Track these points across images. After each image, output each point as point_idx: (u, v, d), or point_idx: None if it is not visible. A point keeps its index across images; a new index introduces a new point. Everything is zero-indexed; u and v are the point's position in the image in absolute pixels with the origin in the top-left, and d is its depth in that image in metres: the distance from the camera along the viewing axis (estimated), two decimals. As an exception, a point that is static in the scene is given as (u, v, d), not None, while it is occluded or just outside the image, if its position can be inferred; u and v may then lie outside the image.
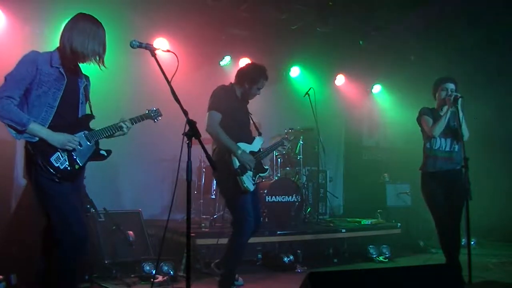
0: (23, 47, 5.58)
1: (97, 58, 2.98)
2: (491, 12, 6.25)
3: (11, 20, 5.59)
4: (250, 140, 4.03)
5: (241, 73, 4.05)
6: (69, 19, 3.00)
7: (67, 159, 2.91)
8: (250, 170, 3.88)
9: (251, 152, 3.97)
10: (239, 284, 4.19)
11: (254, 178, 3.93)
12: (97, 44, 2.96)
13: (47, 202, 2.83)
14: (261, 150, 4.12)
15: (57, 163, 2.85)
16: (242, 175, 3.79)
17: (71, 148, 2.92)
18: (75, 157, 2.96)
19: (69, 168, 2.91)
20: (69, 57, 2.93)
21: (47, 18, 5.73)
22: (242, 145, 3.90)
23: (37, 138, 2.81)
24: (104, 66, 3.02)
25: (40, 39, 5.76)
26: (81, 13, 3.05)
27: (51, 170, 2.82)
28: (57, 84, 2.90)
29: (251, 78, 3.99)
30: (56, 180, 2.83)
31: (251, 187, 3.86)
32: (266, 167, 4.20)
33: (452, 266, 3.73)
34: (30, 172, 2.82)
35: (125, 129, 3.28)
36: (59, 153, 2.88)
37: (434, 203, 4.20)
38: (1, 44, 5.50)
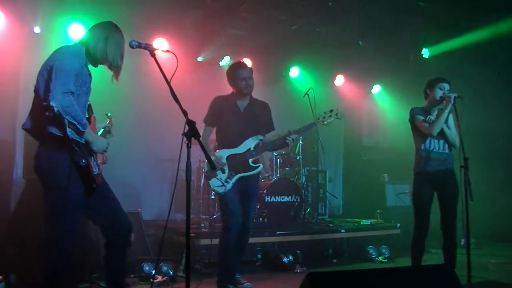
0: (23, 47, 5.64)
1: (117, 71, 3.00)
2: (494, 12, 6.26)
3: (10, 20, 5.59)
4: (235, 145, 4.12)
5: (227, 79, 4.27)
6: (101, 24, 3.00)
7: (95, 165, 2.90)
8: (221, 170, 4.00)
9: (233, 155, 4.08)
10: None
11: (228, 180, 4.01)
12: (122, 59, 3.00)
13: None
14: (252, 149, 4.14)
15: (94, 168, 2.85)
16: (209, 179, 4.02)
17: (103, 154, 2.95)
18: (98, 163, 2.96)
19: (98, 174, 2.93)
20: (96, 61, 2.93)
21: (47, 19, 5.73)
22: (222, 151, 4.10)
23: (84, 140, 2.75)
24: (117, 81, 3.02)
25: (39, 40, 5.77)
26: (114, 24, 3.03)
27: (92, 174, 2.81)
28: (89, 85, 2.88)
29: (229, 77, 4.23)
30: (94, 185, 2.84)
31: (220, 190, 3.99)
32: (256, 165, 4.14)
33: (450, 266, 3.73)
34: (61, 173, 2.67)
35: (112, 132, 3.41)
36: (93, 158, 2.86)
37: (421, 204, 4.21)
38: (0, 44, 5.50)
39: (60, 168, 2.70)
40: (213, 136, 4.31)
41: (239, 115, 4.19)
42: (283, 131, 6.83)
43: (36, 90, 2.76)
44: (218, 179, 3.98)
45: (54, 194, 2.71)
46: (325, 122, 4.24)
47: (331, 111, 4.27)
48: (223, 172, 4.03)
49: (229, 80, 4.24)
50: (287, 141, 4.10)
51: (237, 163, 4.07)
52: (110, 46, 2.92)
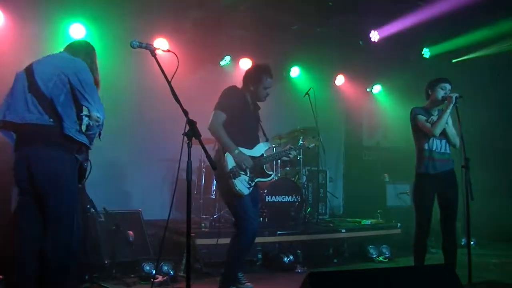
0: (23, 47, 5.63)
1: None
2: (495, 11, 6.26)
3: (10, 20, 5.59)
4: (251, 146, 4.00)
5: (245, 76, 4.07)
6: (93, 46, 3.25)
7: None
8: (245, 171, 3.84)
9: (251, 157, 3.94)
10: None
11: (250, 182, 3.88)
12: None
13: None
14: (264, 155, 4.09)
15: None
16: (234, 178, 3.77)
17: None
18: None
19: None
20: None
21: (47, 19, 5.73)
22: (241, 149, 3.90)
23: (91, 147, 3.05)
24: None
25: (39, 40, 5.76)
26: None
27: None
28: None
29: (254, 78, 3.99)
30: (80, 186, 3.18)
31: (245, 191, 3.82)
32: (270, 172, 4.13)
33: (451, 266, 3.73)
34: (71, 173, 2.87)
35: None
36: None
37: (424, 205, 4.18)
38: (0, 44, 5.50)
39: (70, 169, 2.83)
40: (209, 135, 4.10)
41: (251, 115, 4.07)
42: (284, 132, 6.91)
43: (47, 94, 2.80)
44: (247, 177, 3.82)
45: (66, 195, 2.80)
46: (310, 146, 4.62)
47: (314, 137, 4.82)
48: (246, 173, 3.86)
49: (249, 80, 4.00)
50: (290, 155, 4.26)
51: (255, 167, 3.94)
52: (95, 67, 3.17)
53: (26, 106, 2.78)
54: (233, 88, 4.02)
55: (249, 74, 4.05)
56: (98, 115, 2.81)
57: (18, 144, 2.86)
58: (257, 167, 3.98)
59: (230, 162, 3.79)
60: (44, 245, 2.76)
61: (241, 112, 3.93)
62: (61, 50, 3.15)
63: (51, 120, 2.77)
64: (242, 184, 3.82)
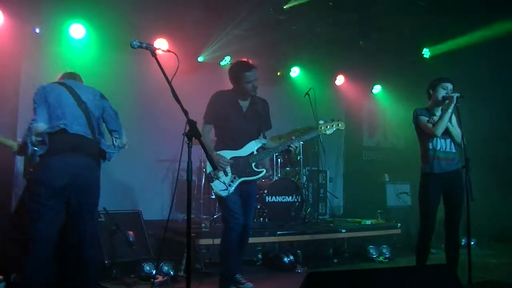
0: (23, 47, 5.64)
1: None
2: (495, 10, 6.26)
3: (11, 20, 5.59)
4: (240, 146, 4.02)
5: (228, 75, 4.12)
6: None
7: None
8: (224, 173, 3.90)
9: (235, 157, 3.97)
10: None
11: (231, 183, 3.91)
12: None
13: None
14: (255, 152, 4.06)
15: None
16: (212, 181, 3.89)
17: None
18: None
19: None
20: None
21: (47, 19, 5.73)
22: (225, 152, 3.96)
23: None
24: None
25: (40, 40, 5.77)
26: None
27: None
28: None
29: (234, 77, 4.05)
30: None
31: (223, 193, 3.87)
32: (259, 170, 4.08)
33: (451, 266, 3.73)
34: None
35: None
36: None
37: (429, 205, 4.16)
38: (1, 44, 5.51)
39: (100, 178, 3.26)
40: (212, 135, 4.20)
41: (241, 115, 4.07)
42: (284, 132, 6.91)
43: (95, 114, 3.28)
44: (221, 182, 3.87)
45: (98, 202, 3.25)
46: (327, 132, 4.23)
47: (333, 120, 4.26)
48: (226, 174, 3.92)
49: (232, 80, 4.06)
50: (290, 148, 4.12)
51: (240, 167, 3.97)
52: None
53: (74, 119, 3.15)
54: (216, 94, 4.11)
55: (229, 74, 4.11)
56: (127, 140, 3.38)
57: (55, 151, 3.06)
58: (242, 166, 3.99)
59: (208, 166, 3.87)
60: (73, 247, 3.11)
61: (225, 116, 4.02)
62: (74, 78, 3.51)
63: (91, 135, 3.20)
64: (219, 186, 3.89)
